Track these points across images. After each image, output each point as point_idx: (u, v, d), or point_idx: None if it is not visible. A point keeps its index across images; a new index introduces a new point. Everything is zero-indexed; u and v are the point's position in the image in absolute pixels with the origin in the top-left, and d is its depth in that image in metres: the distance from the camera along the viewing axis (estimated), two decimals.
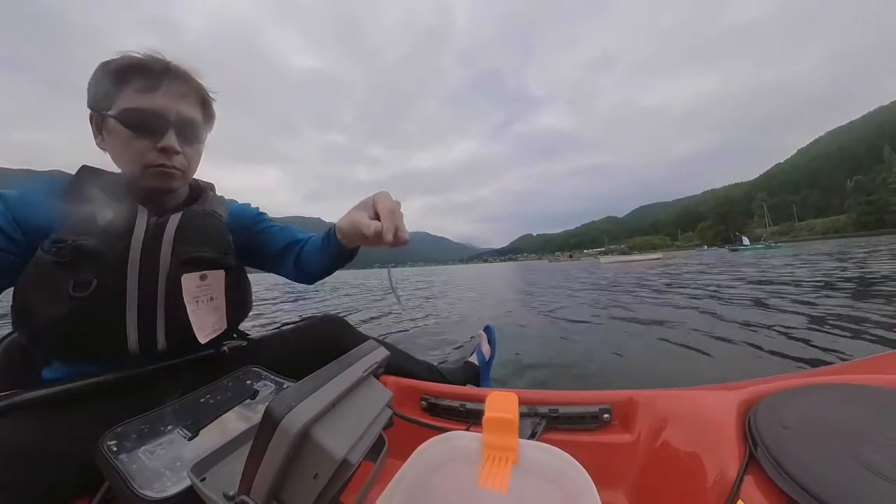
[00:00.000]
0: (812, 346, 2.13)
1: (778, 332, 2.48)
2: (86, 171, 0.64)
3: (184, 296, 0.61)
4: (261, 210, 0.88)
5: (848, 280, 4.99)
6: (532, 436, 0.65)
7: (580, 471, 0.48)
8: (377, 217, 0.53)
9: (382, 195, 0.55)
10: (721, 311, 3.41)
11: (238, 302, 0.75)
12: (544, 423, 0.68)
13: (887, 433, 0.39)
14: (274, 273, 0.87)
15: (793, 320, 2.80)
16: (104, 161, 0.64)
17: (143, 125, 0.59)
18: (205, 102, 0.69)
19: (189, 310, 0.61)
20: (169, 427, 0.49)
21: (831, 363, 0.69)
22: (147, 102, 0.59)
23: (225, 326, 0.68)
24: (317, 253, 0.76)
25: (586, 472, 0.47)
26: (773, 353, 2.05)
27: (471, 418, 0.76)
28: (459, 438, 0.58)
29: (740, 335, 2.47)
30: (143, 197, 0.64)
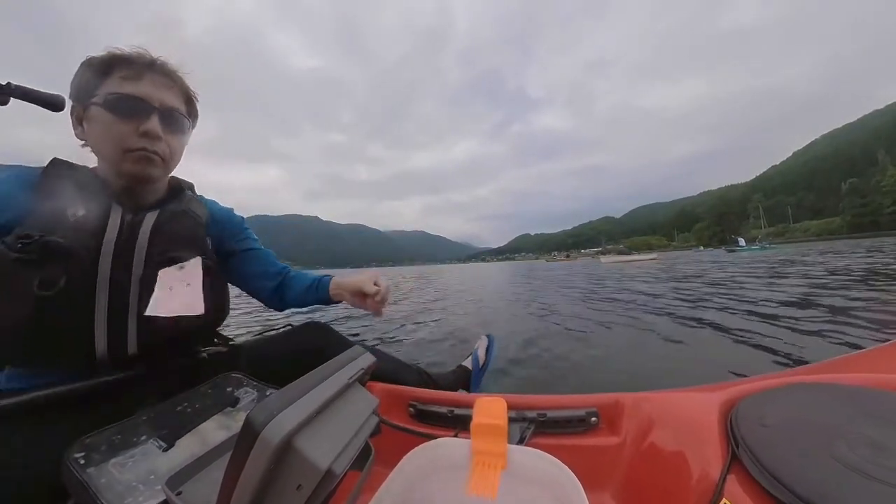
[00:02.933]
0: (790, 345, 2.21)
1: (759, 332, 2.57)
2: (57, 164, 0.61)
3: (158, 285, 0.60)
4: (243, 218, 0.88)
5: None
6: (521, 441, 0.65)
7: (568, 474, 0.48)
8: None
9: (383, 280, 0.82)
10: (704, 313, 3.51)
11: (218, 302, 0.73)
12: (532, 427, 0.68)
13: (857, 428, 0.41)
14: (242, 290, 0.88)
15: (773, 320, 2.91)
16: (83, 157, 0.63)
17: (127, 108, 0.59)
18: (188, 98, 0.70)
19: (158, 293, 0.59)
20: (143, 437, 0.47)
21: (808, 362, 0.72)
22: (131, 88, 0.60)
23: (202, 311, 0.65)
24: (302, 290, 0.88)
25: (574, 476, 0.47)
26: (754, 351, 2.12)
27: (459, 424, 0.75)
28: (447, 446, 0.58)
29: (724, 335, 2.55)
30: (119, 193, 0.63)
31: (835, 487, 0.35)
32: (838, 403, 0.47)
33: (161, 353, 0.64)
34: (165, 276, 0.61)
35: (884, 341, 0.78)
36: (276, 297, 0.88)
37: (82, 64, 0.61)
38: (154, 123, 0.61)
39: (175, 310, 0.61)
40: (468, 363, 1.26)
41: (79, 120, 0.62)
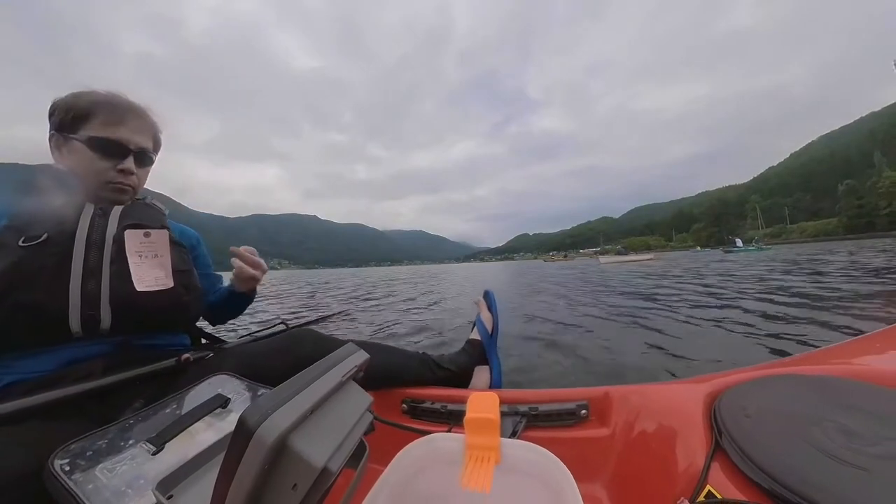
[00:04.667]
0: (771, 338, 2.29)
1: (741, 325, 2.66)
2: (42, 166, 0.70)
3: (126, 249, 0.65)
4: (199, 237, 0.97)
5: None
6: (513, 434, 0.66)
7: (560, 466, 0.49)
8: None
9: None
10: (691, 308, 3.60)
11: (185, 282, 0.74)
12: (525, 421, 0.69)
13: (829, 416, 0.44)
14: None
15: (752, 315, 3.00)
16: None
17: (108, 150, 0.71)
18: (156, 137, 0.82)
19: (131, 262, 0.65)
20: (130, 441, 0.45)
21: (787, 355, 0.75)
22: (111, 133, 0.71)
23: (171, 285, 0.69)
24: (224, 298, 0.94)
25: (566, 468, 0.48)
26: (737, 345, 2.19)
27: (452, 419, 0.76)
28: (441, 440, 0.58)
29: (707, 330, 2.63)
30: (93, 198, 0.71)
31: (811, 472, 0.37)
32: (814, 393, 0.49)
33: (134, 328, 0.67)
34: (132, 238, 0.67)
35: (857, 334, 0.82)
36: (210, 313, 0.97)
37: (67, 99, 0.70)
38: (130, 163, 0.73)
39: (151, 285, 0.66)
40: (475, 334, 1.12)
41: (57, 147, 0.71)
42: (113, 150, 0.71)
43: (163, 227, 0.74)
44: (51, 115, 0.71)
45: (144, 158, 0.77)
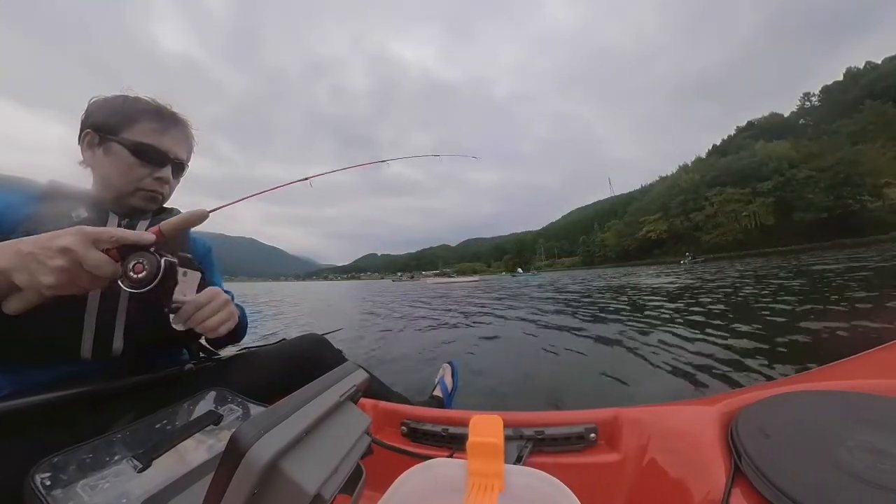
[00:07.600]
0: (780, 352, 2.21)
1: (746, 341, 2.58)
2: (56, 183, 0.68)
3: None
4: (210, 248, 0.93)
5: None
6: (518, 460, 0.63)
7: (568, 495, 0.46)
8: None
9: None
10: (686, 325, 3.52)
11: None
12: (530, 445, 0.65)
13: (858, 435, 0.41)
14: None
15: (755, 329, 2.92)
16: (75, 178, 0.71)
17: (150, 158, 0.70)
18: (190, 148, 0.82)
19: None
20: (116, 456, 0.43)
21: (803, 370, 0.72)
22: (157, 141, 0.71)
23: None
24: None
25: (574, 496, 0.45)
26: (743, 363, 2.12)
27: (454, 443, 0.73)
28: (442, 466, 0.55)
29: (710, 347, 2.55)
30: (113, 204, 0.70)
31: (840, 497, 0.34)
32: (836, 410, 0.47)
33: (144, 356, 0.65)
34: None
35: (873, 346, 0.78)
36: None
37: (108, 101, 0.70)
38: (167, 172, 0.73)
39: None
40: (438, 392, 1.34)
41: (91, 146, 0.69)
42: (155, 158, 0.71)
43: (198, 267, 0.70)
44: (90, 112, 0.69)
45: (180, 170, 0.78)
